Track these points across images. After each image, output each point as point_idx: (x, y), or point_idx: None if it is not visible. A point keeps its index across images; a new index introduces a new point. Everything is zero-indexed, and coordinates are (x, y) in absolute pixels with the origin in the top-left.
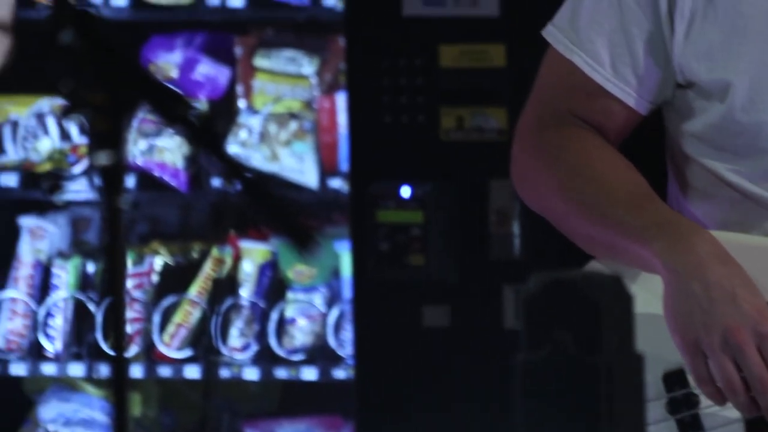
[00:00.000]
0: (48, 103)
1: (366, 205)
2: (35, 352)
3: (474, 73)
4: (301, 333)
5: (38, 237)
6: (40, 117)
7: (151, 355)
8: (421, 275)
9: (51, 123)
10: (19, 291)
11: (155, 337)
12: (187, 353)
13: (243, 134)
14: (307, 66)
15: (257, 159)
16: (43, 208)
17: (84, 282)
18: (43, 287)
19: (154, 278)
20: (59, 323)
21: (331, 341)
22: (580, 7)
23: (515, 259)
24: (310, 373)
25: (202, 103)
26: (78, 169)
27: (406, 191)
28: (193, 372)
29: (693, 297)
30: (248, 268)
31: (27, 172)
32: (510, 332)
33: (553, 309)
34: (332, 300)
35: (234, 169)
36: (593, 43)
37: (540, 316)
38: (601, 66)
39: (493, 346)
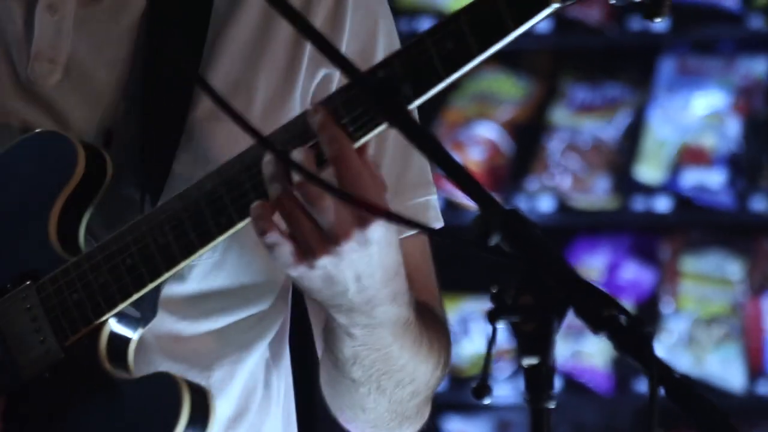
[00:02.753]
0: (473, 305)
1: None
2: None
3: None
4: None
5: None
6: (463, 320)
7: None
8: None
9: (475, 326)
10: None
11: None
12: None
13: (668, 338)
14: (734, 269)
15: (683, 363)
16: (468, 411)
17: None
18: None
19: None
20: None
21: None
22: None
23: None
24: None
25: (628, 306)
26: (504, 372)
27: None
28: None
29: None
30: None
31: (452, 375)
32: None
33: None
34: None
35: (662, 372)
36: None
37: None
38: None
39: None
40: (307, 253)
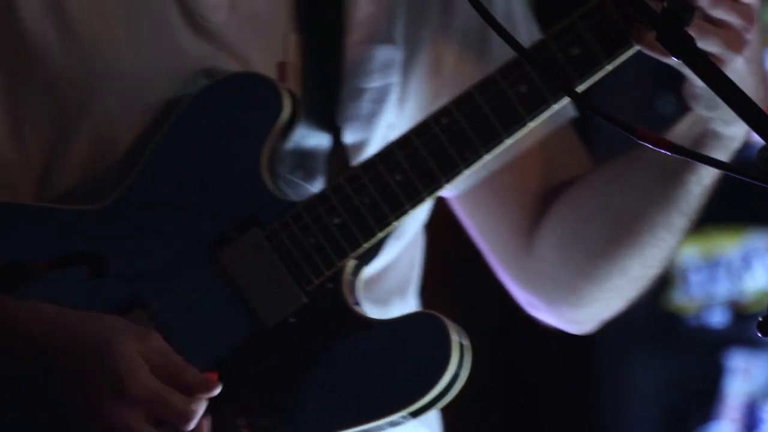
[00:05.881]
0: (756, 240)
1: None
2: None
3: None
4: None
5: (746, 376)
6: (746, 255)
7: None
8: None
9: (757, 262)
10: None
11: None
12: None
13: None
14: None
15: None
16: (753, 346)
17: None
18: (749, 427)
19: None
20: None
21: None
22: None
23: None
24: None
25: None
26: None
27: None
28: None
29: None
30: None
31: (735, 310)
32: None
33: None
34: None
35: None
36: None
37: None
38: None
39: None
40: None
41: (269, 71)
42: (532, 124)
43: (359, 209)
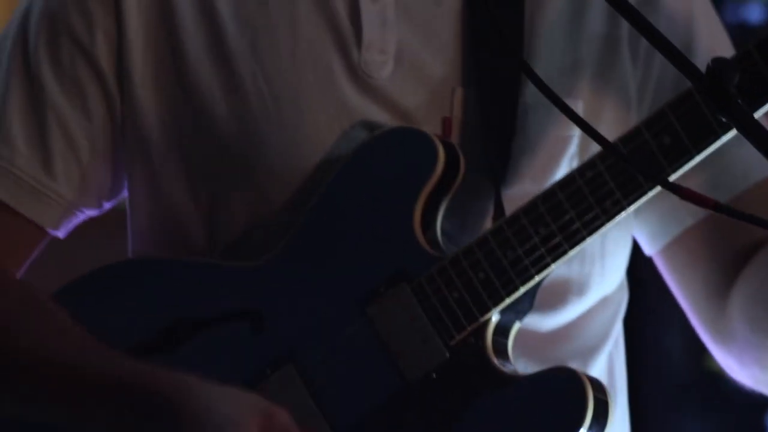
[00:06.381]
0: None
1: None
2: None
3: None
4: None
5: None
6: None
7: None
8: None
9: None
10: None
11: None
12: None
13: None
14: None
15: None
16: None
17: None
18: None
19: None
20: None
21: None
22: None
23: None
24: None
25: None
26: None
27: None
28: None
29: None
30: None
31: None
32: None
33: None
34: None
35: None
36: None
37: None
38: None
39: None
40: None
41: (433, 126)
42: (675, 175)
43: (501, 263)
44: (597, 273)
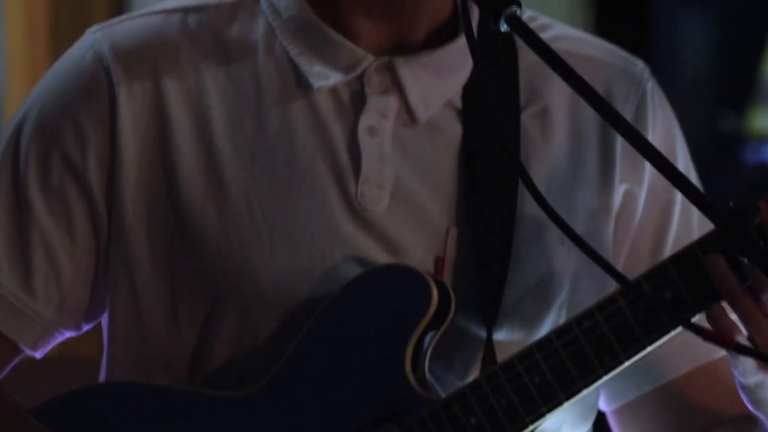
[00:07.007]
0: None
1: None
2: None
3: None
4: None
5: None
6: None
7: None
8: None
9: None
10: None
11: None
12: None
13: None
14: None
15: None
16: None
17: None
18: None
19: None
20: None
21: None
22: None
23: None
24: None
25: None
26: None
27: None
28: None
29: None
30: None
31: None
32: None
33: None
34: None
35: None
36: None
37: None
38: None
39: None
40: None
41: (426, 265)
42: (674, 332)
43: (494, 409)
44: (568, 421)
